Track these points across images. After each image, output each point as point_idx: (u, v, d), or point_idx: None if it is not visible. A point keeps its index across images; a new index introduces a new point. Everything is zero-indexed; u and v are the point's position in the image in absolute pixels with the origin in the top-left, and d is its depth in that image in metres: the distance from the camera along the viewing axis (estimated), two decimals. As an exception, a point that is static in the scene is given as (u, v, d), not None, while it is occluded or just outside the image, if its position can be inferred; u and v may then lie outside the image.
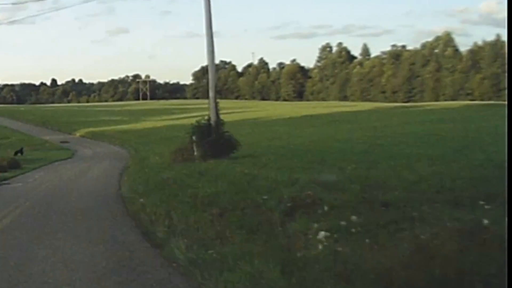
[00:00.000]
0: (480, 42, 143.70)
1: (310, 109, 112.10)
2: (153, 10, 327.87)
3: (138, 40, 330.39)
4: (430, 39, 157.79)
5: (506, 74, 7.88)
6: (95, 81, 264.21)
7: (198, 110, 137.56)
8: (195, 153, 28.18)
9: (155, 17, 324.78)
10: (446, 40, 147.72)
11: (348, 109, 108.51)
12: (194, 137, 29.39)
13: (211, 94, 30.30)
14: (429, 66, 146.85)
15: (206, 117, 30.07)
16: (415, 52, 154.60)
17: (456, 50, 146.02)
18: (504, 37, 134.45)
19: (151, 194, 17.60)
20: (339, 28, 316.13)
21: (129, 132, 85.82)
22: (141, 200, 16.82)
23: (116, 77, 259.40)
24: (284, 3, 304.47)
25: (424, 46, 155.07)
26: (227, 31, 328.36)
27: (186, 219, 12.06)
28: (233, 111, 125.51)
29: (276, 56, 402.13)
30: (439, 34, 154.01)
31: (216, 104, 29.84)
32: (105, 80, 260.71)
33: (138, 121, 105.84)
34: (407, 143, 32.09)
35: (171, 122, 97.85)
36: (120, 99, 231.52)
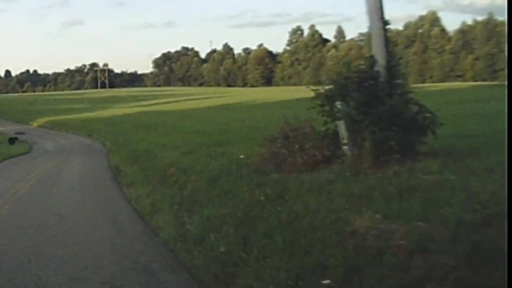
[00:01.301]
0: (469, 22, 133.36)
1: (296, 93, 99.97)
2: (107, 1, 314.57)
3: (93, 31, 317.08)
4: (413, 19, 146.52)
5: (506, 72, 8.94)
6: (50, 72, 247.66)
7: (167, 97, 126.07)
8: (345, 147, 11.69)
9: (110, 8, 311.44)
10: (432, 19, 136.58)
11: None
12: (339, 106, 12.00)
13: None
14: (414, 47, 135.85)
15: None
16: (396, 32, 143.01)
17: (443, 30, 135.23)
18: (497, 16, 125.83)
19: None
20: (297, 16, 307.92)
21: (95, 120, 72.12)
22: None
23: (72, 67, 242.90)
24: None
25: (407, 26, 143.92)
26: (184, 20, 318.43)
27: None
28: (209, 96, 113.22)
29: (236, 44, 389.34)
30: (411, 19, 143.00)
31: (385, 31, 12.92)
32: (61, 70, 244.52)
33: (104, 109, 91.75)
34: None
35: (142, 109, 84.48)
36: (78, 89, 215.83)
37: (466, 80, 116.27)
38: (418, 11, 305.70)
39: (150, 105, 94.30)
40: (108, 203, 15.00)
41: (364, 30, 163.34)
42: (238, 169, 12.66)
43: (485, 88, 79.31)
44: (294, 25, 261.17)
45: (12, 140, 52.71)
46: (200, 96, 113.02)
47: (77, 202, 15.21)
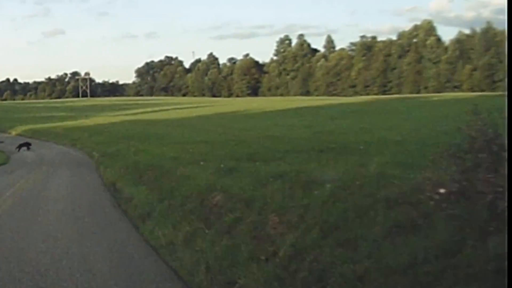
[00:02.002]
0: (467, 31, 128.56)
1: (288, 103, 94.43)
2: (90, 11, 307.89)
3: (74, 41, 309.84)
4: (407, 28, 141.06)
5: (506, 74, 6.66)
6: (31, 81, 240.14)
7: (152, 106, 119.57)
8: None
9: (92, 18, 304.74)
10: (427, 29, 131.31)
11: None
12: None
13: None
14: (408, 57, 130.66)
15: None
16: (390, 42, 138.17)
17: (439, 40, 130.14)
18: (496, 25, 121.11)
19: None
20: (281, 28, 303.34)
21: (79, 129, 65.65)
22: None
23: (53, 76, 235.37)
24: (224, 3, 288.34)
25: (400, 35, 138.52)
26: (166, 31, 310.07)
27: None
28: (198, 105, 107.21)
29: (219, 54, 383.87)
30: (397, 31, 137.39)
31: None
32: (42, 79, 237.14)
33: (87, 117, 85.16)
34: None
35: (129, 117, 78.14)
36: (59, 98, 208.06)
37: (462, 91, 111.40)
38: (403, 23, 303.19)
39: (136, 114, 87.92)
40: (123, 257, 9.08)
41: (356, 39, 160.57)
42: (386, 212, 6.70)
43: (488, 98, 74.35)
44: (277, 37, 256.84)
45: (21, 147, 48.56)
46: (188, 105, 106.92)
47: (70, 253, 9.27)
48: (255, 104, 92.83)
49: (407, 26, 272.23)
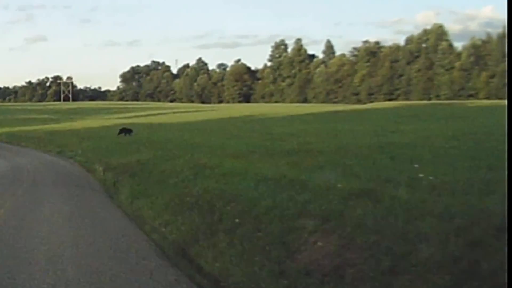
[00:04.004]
0: (483, 37, 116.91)
1: (301, 108, 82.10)
2: (72, 18, 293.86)
3: (57, 47, 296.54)
4: (415, 33, 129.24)
5: (506, 75, 7.50)
6: (11, 86, 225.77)
7: (144, 110, 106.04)
8: None
9: (74, 25, 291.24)
10: (438, 33, 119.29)
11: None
12: None
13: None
14: (417, 63, 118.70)
15: None
16: (396, 47, 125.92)
17: (450, 45, 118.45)
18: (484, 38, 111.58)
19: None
20: (264, 38, 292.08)
21: (66, 133, 52.29)
22: None
23: (34, 79, 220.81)
24: (207, 13, 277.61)
25: (409, 40, 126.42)
26: (149, 39, 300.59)
27: None
28: (197, 110, 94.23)
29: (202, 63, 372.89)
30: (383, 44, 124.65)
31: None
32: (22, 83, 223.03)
33: (74, 120, 71.72)
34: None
35: (123, 121, 64.93)
36: (40, 102, 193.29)
37: (478, 99, 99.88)
38: (389, 35, 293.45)
39: (131, 117, 74.67)
40: None
41: (358, 45, 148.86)
42: None
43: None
44: (261, 47, 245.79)
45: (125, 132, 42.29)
46: (185, 110, 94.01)
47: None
48: (256, 110, 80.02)
49: (389, 40, 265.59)
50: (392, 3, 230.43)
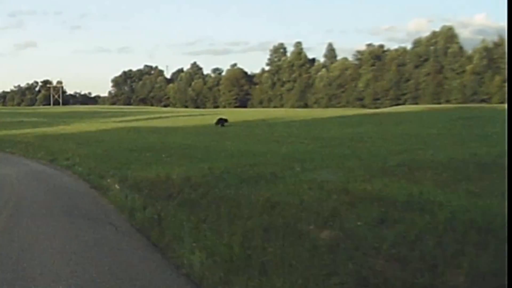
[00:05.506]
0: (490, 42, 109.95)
1: (325, 112, 74.42)
2: (63, 24, 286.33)
3: (47, 53, 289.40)
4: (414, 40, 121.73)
5: (506, 76, 6.73)
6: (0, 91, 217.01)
7: (142, 114, 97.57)
8: None
9: (65, 31, 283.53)
10: (448, 36, 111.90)
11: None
12: None
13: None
14: (426, 67, 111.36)
15: None
16: (403, 50, 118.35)
17: (461, 48, 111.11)
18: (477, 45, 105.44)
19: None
20: (255, 45, 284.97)
21: (59, 137, 44.02)
22: None
23: (23, 84, 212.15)
24: (197, 20, 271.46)
25: (417, 43, 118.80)
26: (139, 46, 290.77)
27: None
28: (201, 114, 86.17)
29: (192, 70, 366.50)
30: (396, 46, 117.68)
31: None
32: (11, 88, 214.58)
33: (67, 123, 63.35)
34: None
35: (124, 125, 56.88)
36: (29, 106, 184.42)
37: (491, 104, 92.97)
38: (381, 43, 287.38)
39: (131, 121, 66.48)
40: None
41: (362, 48, 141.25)
42: None
43: None
44: (251, 53, 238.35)
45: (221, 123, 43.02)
46: (186, 114, 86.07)
47: None
48: (260, 114, 72.15)
49: (388, 45, 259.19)
50: (384, 10, 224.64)
